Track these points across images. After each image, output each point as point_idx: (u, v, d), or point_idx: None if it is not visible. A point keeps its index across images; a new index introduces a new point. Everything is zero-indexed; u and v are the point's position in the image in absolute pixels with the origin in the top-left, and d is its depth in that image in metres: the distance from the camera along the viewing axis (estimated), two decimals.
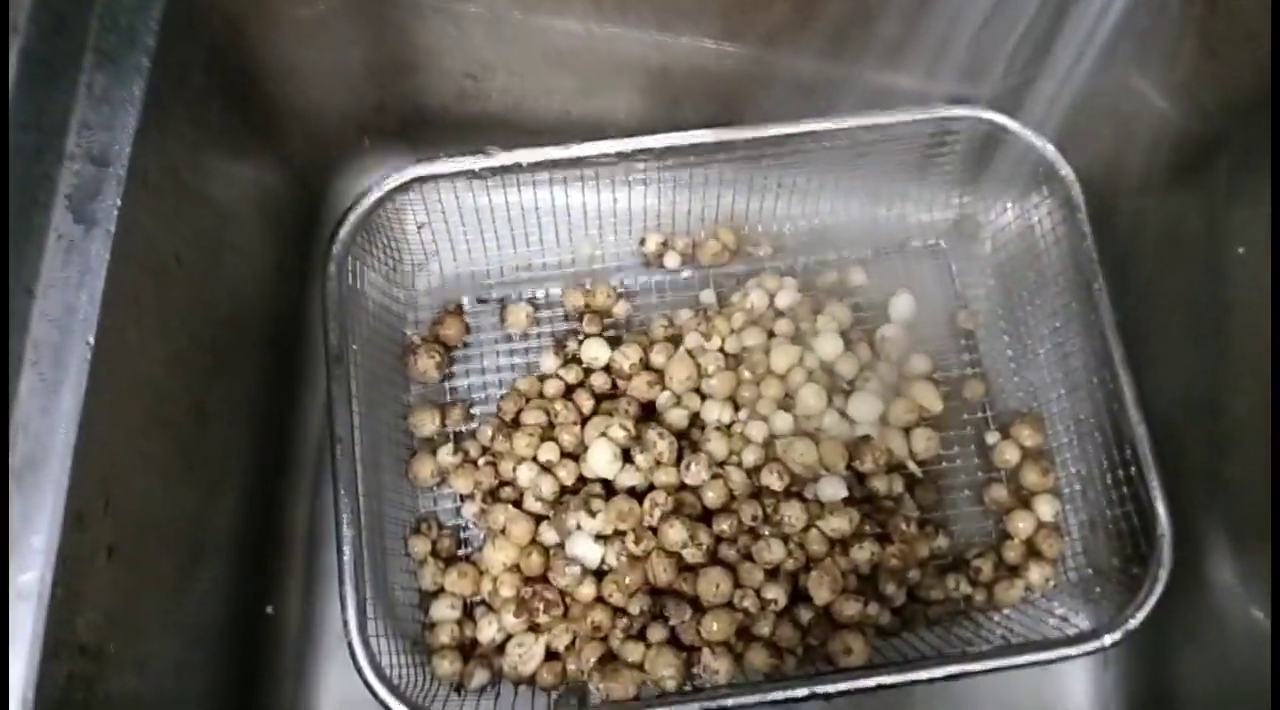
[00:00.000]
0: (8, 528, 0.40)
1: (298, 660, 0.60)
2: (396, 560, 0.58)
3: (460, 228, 0.63)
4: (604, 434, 0.58)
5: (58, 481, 0.41)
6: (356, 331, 0.57)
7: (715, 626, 0.54)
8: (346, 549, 0.52)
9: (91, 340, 0.43)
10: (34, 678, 0.39)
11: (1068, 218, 0.59)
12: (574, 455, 0.59)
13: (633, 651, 0.54)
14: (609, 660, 0.55)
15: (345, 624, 0.51)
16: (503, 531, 0.57)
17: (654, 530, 0.56)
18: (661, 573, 0.55)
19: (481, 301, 0.66)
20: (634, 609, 0.55)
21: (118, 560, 0.45)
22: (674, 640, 0.55)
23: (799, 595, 0.56)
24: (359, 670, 0.50)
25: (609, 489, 0.58)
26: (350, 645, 0.50)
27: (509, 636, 0.56)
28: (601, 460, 0.57)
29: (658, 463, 0.57)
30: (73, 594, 0.41)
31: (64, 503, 0.41)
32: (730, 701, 0.51)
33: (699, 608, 0.55)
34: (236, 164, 0.58)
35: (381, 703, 0.50)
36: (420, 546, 0.59)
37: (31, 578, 0.40)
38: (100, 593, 0.44)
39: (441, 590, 0.58)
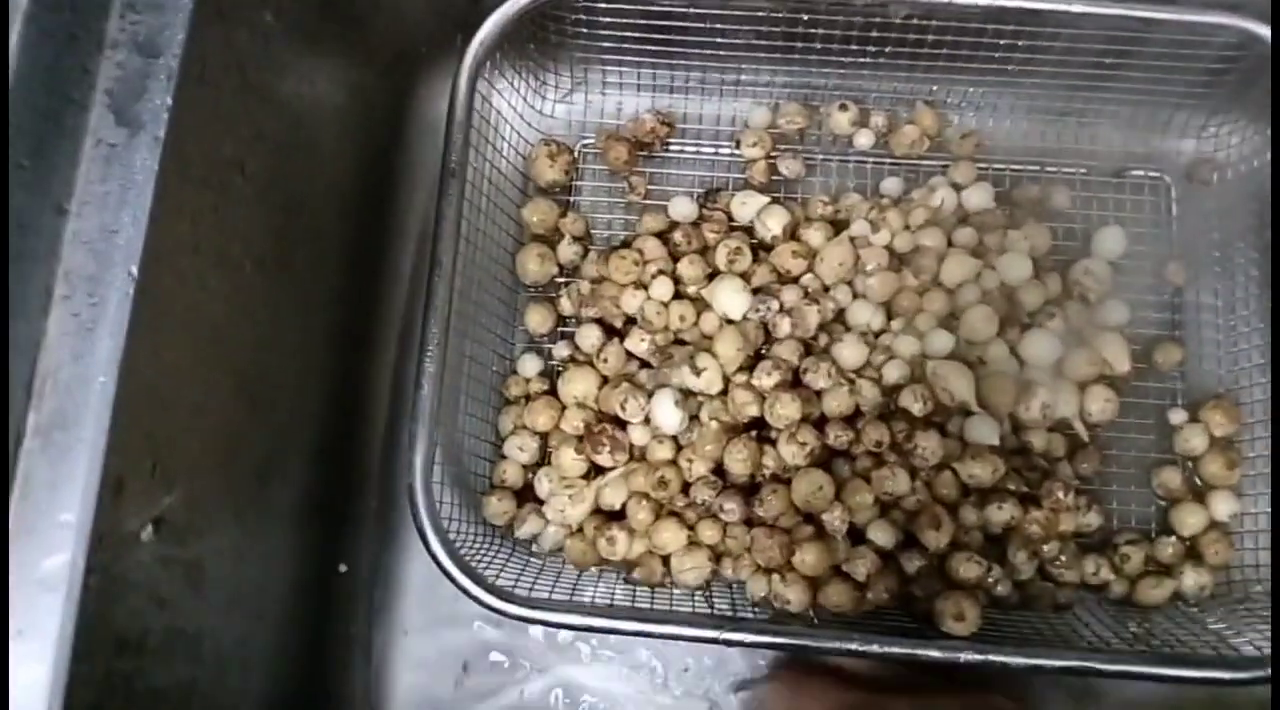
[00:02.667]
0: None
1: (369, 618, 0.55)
2: (478, 406, 0.53)
3: (617, 52, 0.55)
4: (738, 276, 0.51)
5: (93, 443, 0.34)
6: (480, 150, 0.51)
7: (808, 559, 0.47)
8: (425, 384, 0.46)
9: (135, 270, 0.36)
10: (62, 683, 0.32)
11: None
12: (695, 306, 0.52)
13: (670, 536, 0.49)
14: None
15: (411, 464, 0.45)
16: (589, 363, 0.52)
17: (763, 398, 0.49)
18: (739, 456, 0.48)
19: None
20: (699, 495, 0.49)
21: (166, 535, 0.38)
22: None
23: (906, 540, 0.49)
24: (415, 517, 0.45)
25: None
26: (411, 489, 0.45)
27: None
28: (729, 297, 0.50)
29: (793, 327, 0.51)
30: (110, 579, 0.34)
31: (100, 469, 0.34)
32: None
33: (754, 522, 0.49)
34: (313, 57, 0.49)
35: (432, 555, 0.45)
36: (515, 389, 0.54)
37: (59, 561, 0.33)
38: (143, 574, 0.37)
39: (520, 428, 0.53)
